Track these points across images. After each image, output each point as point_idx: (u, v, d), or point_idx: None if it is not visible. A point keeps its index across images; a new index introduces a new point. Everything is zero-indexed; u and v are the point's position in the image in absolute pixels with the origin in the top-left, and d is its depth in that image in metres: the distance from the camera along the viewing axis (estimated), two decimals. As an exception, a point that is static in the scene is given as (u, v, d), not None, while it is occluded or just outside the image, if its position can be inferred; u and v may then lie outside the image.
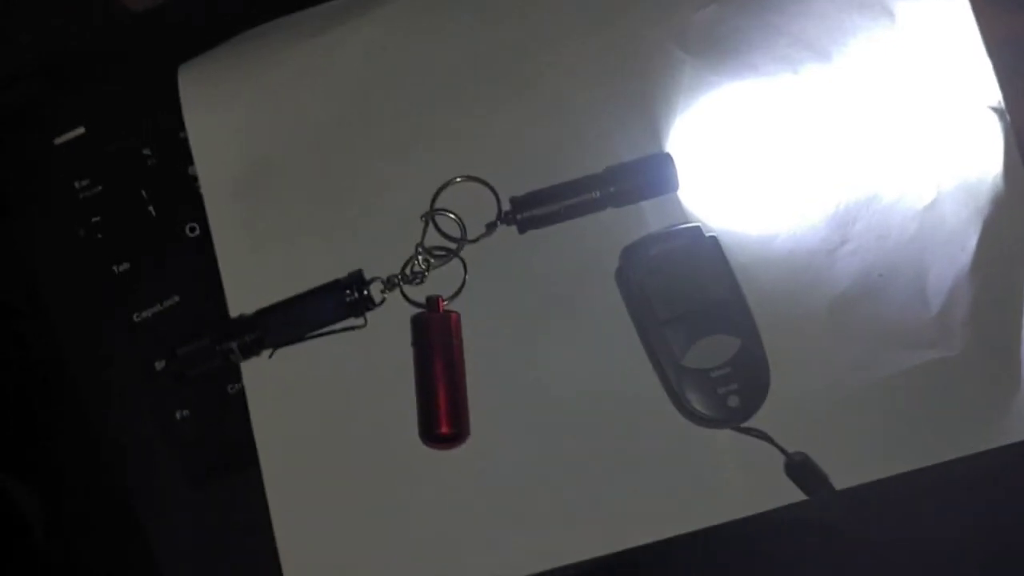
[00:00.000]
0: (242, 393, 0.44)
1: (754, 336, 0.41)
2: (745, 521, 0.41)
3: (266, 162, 0.44)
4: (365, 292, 0.42)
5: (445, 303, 0.43)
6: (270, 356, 0.43)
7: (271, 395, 0.43)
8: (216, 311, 0.44)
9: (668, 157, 0.43)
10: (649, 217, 0.44)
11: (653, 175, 0.42)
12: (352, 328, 0.43)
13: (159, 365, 0.45)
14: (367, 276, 0.43)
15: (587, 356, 0.43)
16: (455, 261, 0.43)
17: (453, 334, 0.43)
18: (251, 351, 0.43)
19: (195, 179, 0.45)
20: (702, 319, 0.40)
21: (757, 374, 0.41)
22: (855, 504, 0.41)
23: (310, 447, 0.43)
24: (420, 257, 0.43)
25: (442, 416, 0.41)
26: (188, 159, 0.45)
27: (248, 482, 0.43)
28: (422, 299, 0.43)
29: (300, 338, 0.43)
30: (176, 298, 0.46)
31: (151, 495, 0.44)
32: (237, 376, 0.44)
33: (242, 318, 0.44)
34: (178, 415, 0.45)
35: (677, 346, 0.41)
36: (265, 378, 0.43)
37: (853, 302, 0.43)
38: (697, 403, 0.41)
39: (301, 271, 0.43)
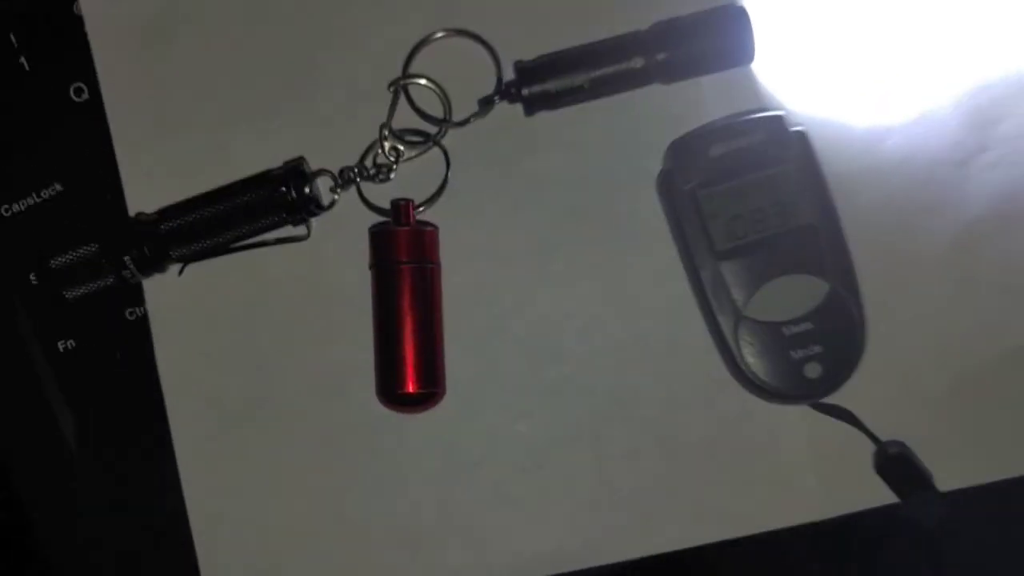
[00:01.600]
0: (144, 320, 0.38)
1: (848, 279, 0.34)
2: (817, 527, 0.37)
3: (176, 2, 0.38)
4: (307, 190, 0.36)
5: (418, 211, 0.37)
6: (180, 273, 0.38)
7: (182, 326, 0.38)
8: (109, 207, 0.38)
9: (742, 12, 0.35)
10: (710, 100, 0.37)
11: (719, 38, 0.35)
12: (290, 240, 0.37)
13: (34, 278, 0.39)
14: (311, 167, 0.37)
15: (613, 295, 0.37)
16: (434, 151, 0.37)
17: (427, 255, 0.36)
18: (154, 265, 0.36)
19: (82, 20, 0.38)
20: (777, 252, 0.34)
21: (848, 333, 0.34)
22: (962, 512, 0.36)
23: (232, 398, 0.38)
24: (386, 144, 0.36)
25: (408, 368, 0.35)
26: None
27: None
28: (386, 204, 0.37)
29: (220, 250, 0.37)
30: (57, 187, 0.39)
31: (26, 459, 0.40)
32: (138, 298, 0.38)
33: (142, 219, 0.37)
34: (61, 346, 0.39)
35: (739, 288, 0.34)
36: (174, 303, 0.38)
37: (988, 238, 0.37)
38: (762, 369, 0.34)
39: (224, 157, 0.37)
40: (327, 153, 0.37)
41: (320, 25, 0.37)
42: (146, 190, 0.37)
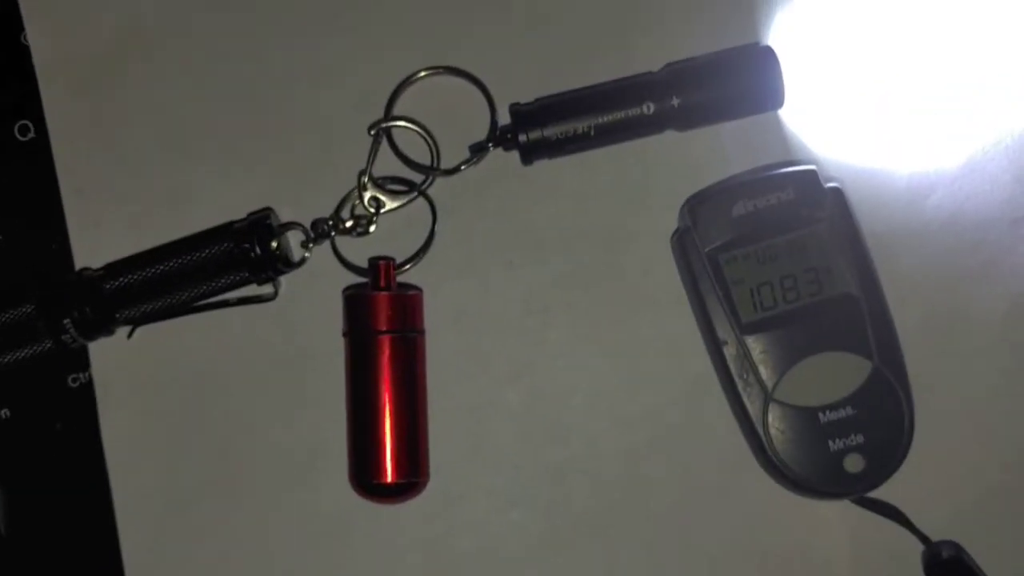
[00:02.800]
0: (89, 388, 0.36)
1: (893, 357, 0.32)
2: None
3: (134, 34, 0.37)
4: (274, 245, 0.34)
5: (400, 271, 0.35)
6: (129, 336, 0.36)
7: (131, 395, 0.36)
8: (54, 260, 0.37)
9: (769, 52, 0.33)
10: (731, 150, 0.35)
11: (743, 80, 0.33)
12: (255, 300, 0.35)
13: (-36, 339, 0.38)
14: (280, 219, 0.36)
15: (621, 367, 0.36)
16: (419, 202, 0.36)
17: (410, 323, 0.34)
18: (98, 328, 0.35)
19: (29, 51, 0.37)
20: (810, 325, 0.32)
21: (894, 420, 0.32)
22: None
23: (185, 478, 0.36)
24: (365, 193, 0.35)
25: (387, 455, 0.32)
26: (19, 22, 0.38)
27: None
28: (364, 262, 0.35)
29: (174, 311, 0.35)
30: (-5, 235, 0.38)
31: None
32: (82, 363, 0.37)
33: (85, 276, 0.35)
34: (-5, 415, 0.38)
35: (767, 366, 0.32)
36: (122, 369, 0.36)
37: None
38: (794, 461, 0.32)
39: (183, 205, 0.36)
40: (299, 203, 0.36)
41: (293, 59, 0.36)
42: (95, 241, 0.36)
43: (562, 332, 0.35)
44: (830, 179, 0.33)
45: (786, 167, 0.33)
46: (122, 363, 0.36)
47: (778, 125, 0.35)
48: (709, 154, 0.35)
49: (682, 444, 0.35)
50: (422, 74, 0.35)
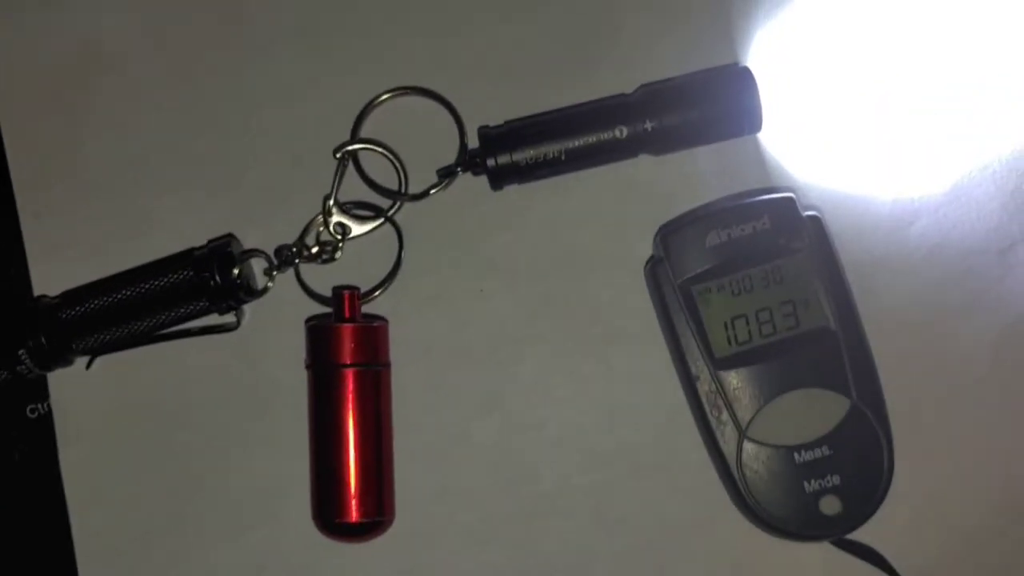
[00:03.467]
0: (48, 418, 0.35)
1: (872, 395, 0.31)
2: None
3: (94, 55, 0.36)
4: (235, 273, 0.33)
5: (366, 301, 0.34)
6: (88, 366, 0.35)
7: (90, 426, 0.35)
8: (11, 287, 0.36)
9: (746, 73, 0.33)
10: (707, 175, 0.34)
11: (719, 103, 0.33)
12: (217, 330, 0.34)
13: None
14: (242, 246, 0.35)
15: (594, 401, 0.35)
16: (386, 228, 0.35)
17: (375, 356, 0.33)
18: (55, 358, 0.34)
19: None
20: (786, 360, 0.31)
21: (872, 460, 0.31)
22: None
23: (146, 511, 0.35)
24: (330, 219, 0.34)
25: (350, 493, 0.31)
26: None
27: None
28: (329, 290, 0.34)
29: (134, 341, 0.34)
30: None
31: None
32: (41, 393, 0.36)
33: (42, 304, 0.34)
34: (-50, 447, 0.37)
35: (741, 404, 0.30)
36: (82, 400, 0.35)
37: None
38: (769, 502, 0.31)
39: (144, 230, 0.36)
40: (262, 228, 0.35)
41: (257, 80, 0.36)
42: (54, 267, 0.35)
43: (533, 364, 0.34)
44: (809, 207, 0.32)
45: (763, 194, 0.32)
46: (82, 394, 0.35)
47: (756, 149, 0.34)
48: (684, 180, 0.34)
49: (656, 482, 0.33)
50: (389, 95, 0.34)
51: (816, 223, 0.31)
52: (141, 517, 0.35)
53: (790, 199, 0.31)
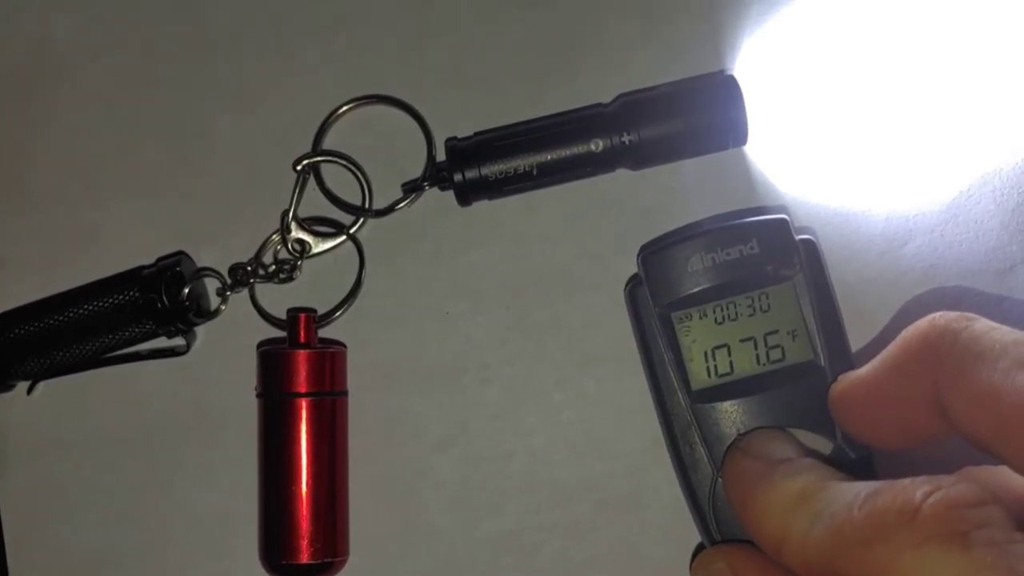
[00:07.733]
0: None
1: None
2: None
3: (42, 57, 0.35)
4: (184, 293, 0.31)
5: (323, 324, 0.32)
6: (28, 391, 0.33)
7: (29, 456, 0.34)
8: None
9: (731, 82, 0.31)
10: (689, 191, 0.33)
11: (702, 114, 0.31)
12: (167, 353, 0.32)
13: None
14: (194, 264, 0.33)
15: (565, 431, 0.32)
16: (348, 246, 0.33)
17: (331, 385, 0.31)
18: None
19: None
20: (768, 397, 0.28)
21: None
22: None
23: (87, 550, 0.33)
24: (289, 235, 0.32)
25: (301, 532, 0.29)
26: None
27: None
28: (284, 313, 0.32)
29: (76, 365, 0.32)
30: None
31: None
32: None
33: None
34: None
35: (717, 442, 0.27)
36: (21, 427, 0.34)
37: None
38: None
39: (93, 245, 0.34)
40: (216, 244, 0.33)
41: (214, 86, 0.34)
42: None
43: (500, 391, 0.32)
44: (802, 230, 0.29)
45: (755, 215, 0.29)
46: (22, 420, 0.33)
47: (742, 163, 0.32)
48: (665, 196, 0.32)
49: (628, 518, 0.31)
50: (353, 104, 0.33)
51: (810, 247, 0.28)
52: (82, 549, 0.33)
53: (783, 221, 0.28)
